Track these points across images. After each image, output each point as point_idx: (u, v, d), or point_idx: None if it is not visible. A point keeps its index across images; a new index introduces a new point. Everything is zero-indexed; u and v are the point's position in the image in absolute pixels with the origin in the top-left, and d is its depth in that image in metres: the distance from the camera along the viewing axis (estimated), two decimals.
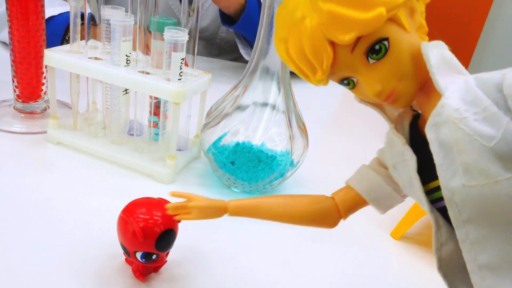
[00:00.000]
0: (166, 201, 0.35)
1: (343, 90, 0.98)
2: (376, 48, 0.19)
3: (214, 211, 0.28)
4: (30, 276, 0.35)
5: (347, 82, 0.21)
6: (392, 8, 0.19)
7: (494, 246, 0.17)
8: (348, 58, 0.20)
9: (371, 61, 0.20)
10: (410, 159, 0.21)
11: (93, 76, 0.48)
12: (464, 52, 1.64)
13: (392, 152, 0.22)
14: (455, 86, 0.19)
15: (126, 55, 0.48)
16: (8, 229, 0.39)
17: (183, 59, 0.46)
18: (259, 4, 0.83)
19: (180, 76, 0.46)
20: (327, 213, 0.26)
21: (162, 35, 0.46)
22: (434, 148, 0.19)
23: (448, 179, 0.18)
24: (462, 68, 0.20)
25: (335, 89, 1.03)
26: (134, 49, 0.50)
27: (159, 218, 0.33)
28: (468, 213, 0.18)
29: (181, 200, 0.28)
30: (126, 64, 0.48)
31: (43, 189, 0.46)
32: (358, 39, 0.19)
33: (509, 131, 0.16)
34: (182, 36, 0.44)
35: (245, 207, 0.27)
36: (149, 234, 0.32)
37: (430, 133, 0.19)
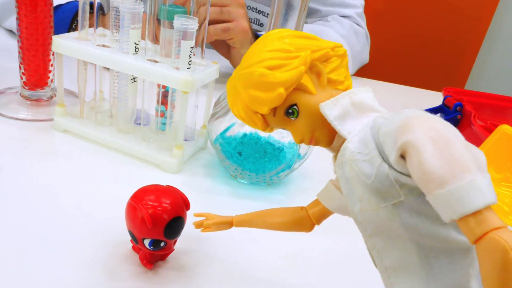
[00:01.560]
0: (175, 189, 0.35)
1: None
2: (290, 111, 0.25)
3: (224, 225, 0.35)
4: (35, 263, 0.34)
5: (286, 130, 0.27)
6: (289, 86, 0.24)
7: (393, 252, 0.22)
8: (274, 120, 0.26)
9: (292, 119, 0.25)
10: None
11: (101, 63, 0.48)
12: (470, 50, 1.64)
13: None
14: (360, 126, 0.23)
15: (135, 43, 0.47)
16: (14, 216, 0.39)
17: (192, 47, 0.45)
18: None
19: (189, 65, 0.46)
20: (302, 222, 0.31)
21: (172, 23, 0.46)
22: (341, 181, 0.24)
23: (352, 205, 0.23)
24: (375, 105, 0.24)
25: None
26: (143, 38, 0.50)
27: (168, 205, 0.33)
28: (370, 229, 0.23)
29: (202, 218, 0.36)
30: (135, 52, 0.48)
31: (49, 176, 0.45)
32: (275, 108, 0.25)
33: (380, 172, 0.21)
34: (192, 24, 0.44)
35: (243, 221, 0.34)
36: (158, 221, 0.32)
37: (338, 170, 0.24)
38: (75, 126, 0.53)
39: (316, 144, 0.26)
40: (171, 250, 0.35)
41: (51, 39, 0.55)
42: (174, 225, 0.33)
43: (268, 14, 0.98)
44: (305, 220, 0.31)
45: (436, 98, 0.96)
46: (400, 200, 0.21)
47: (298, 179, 0.54)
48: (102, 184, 0.46)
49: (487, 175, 0.18)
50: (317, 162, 0.56)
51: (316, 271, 0.40)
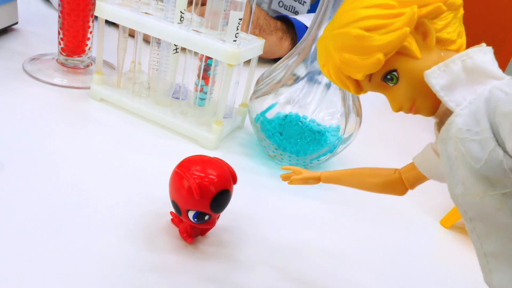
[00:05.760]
0: (222, 161, 0.33)
1: None
2: (389, 78, 0.22)
3: (312, 180, 0.33)
4: (71, 232, 0.33)
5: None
6: (390, 51, 0.21)
7: (496, 240, 0.20)
8: (369, 85, 0.23)
9: (390, 85, 0.22)
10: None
11: (145, 30, 0.46)
12: (506, 47, 1.59)
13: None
14: (472, 97, 0.20)
15: (181, 12, 0.45)
16: (48, 184, 0.38)
17: (241, 19, 0.43)
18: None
19: (236, 37, 0.44)
20: (395, 186, 0.29)
21: None
22: (443, 159, 0.21)
23: (453, 186, 0.21)
24: (494, 70, 0.20)
25: None
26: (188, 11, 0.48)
27: (215, 177, 0.31)
28: (472, 213, 0.20)
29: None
30: (180, 22, 0.46)
31: (84, 143, 0.44)
32: (371, 73, 0.22)
33: (492, 157, 0.18)
34: None
35: (332, 177, 0.32)
36: (205, 193, 0.30)
37: (440, 145, 0.21)
38: (112, 95, 0.51)
39: (416, 113, 0.23)
40: (213, 225, 0.34)
41: (92, 4, 0.53)
42: (220, 198, 0.31)
43: (304, 1, 0.95)
44: (398, 183, 0.28)
45: None
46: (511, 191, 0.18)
47: (338, 165, 0.52)
48: (138, 155, 0.44)
49: None
50: (357, 152, 0.54)
51: (359, 259, 0.38)
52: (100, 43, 0.50)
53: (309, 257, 0.36)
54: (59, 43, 0.55)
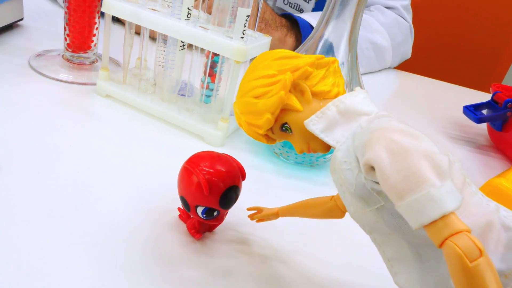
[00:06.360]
0: (231, 157, 0.33)
1: (398, 80, 0.95)
2: (284, 129, 0.27)
3: (272, 216, 0.35)
4: (77, 228, 0.33)
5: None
6: (274, 111, 0.25)
7: (391, 246, 0.23)
8: (275, 136, 0.27)
9: (289, 133, 0.27)
10: None
11: (152, 27, 0.46)
12: (509, 48, 1.59)
13: None
14: (349, 133, 0.24)
15: (188, 8, 0.45)
16: (53, 180, 0.38)
17: (248, 16, 0.43)
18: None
19: (243, 34, 0.44)
20: (332, 212, 0.32)
21: None
22: (336, 186, 0.25)
23: (347, 207, 0.24)
24: (363, 108, 0.24)
25: (391, 77, 0.99)
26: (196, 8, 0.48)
27: (224, 173, 0.31)
28: (367, 227, 0.24)
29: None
30: (187, 18, 0.46)
31: (90, 139, 0.44)
32: (272, 127, 0.27)
33: (358, 182, 0.22)
34: None
35: (287, 211, 0.35)
36: (214, 188, 0.30)
37: (332, 176, 0.25)
38: (118, 91, 0.51)
39: (314, 152, 0.27)
40: (222, 221, 0.34)
41: (98, 0, 0.53)
42: (229, 194, 0.31)
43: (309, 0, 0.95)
44: (334, 209, 0.32)
45: (471, 96, 0.93)
46: (381, 205, 0.22)
47: None
48: (144, 152, 0.44)
49: (446, 182, 0.19)
50: None
51: (363, 263, 0.38)
52: (107, 39, 0.50)
53: (316, 252, 0.36)
54: (65, 39, 0.55)
